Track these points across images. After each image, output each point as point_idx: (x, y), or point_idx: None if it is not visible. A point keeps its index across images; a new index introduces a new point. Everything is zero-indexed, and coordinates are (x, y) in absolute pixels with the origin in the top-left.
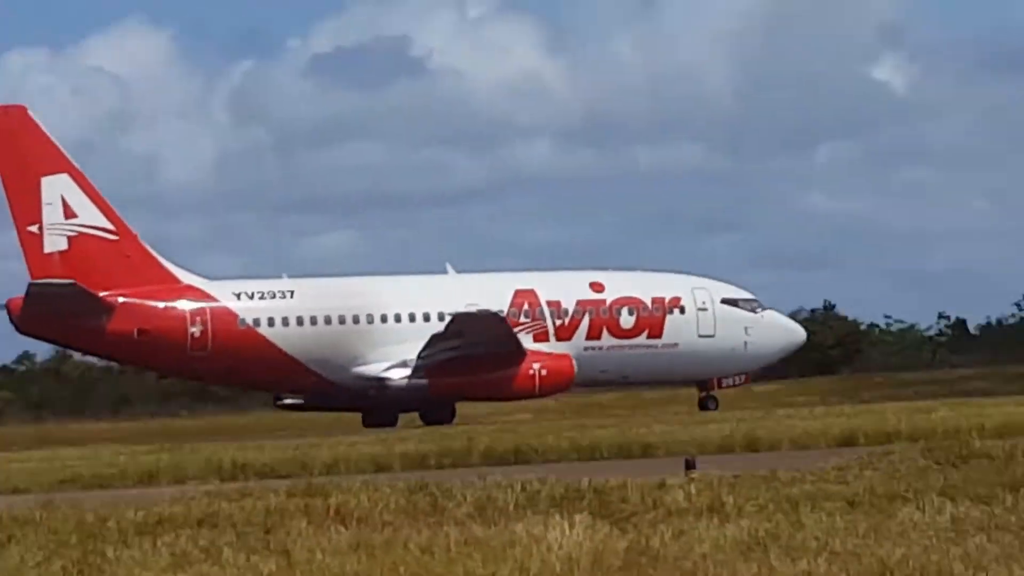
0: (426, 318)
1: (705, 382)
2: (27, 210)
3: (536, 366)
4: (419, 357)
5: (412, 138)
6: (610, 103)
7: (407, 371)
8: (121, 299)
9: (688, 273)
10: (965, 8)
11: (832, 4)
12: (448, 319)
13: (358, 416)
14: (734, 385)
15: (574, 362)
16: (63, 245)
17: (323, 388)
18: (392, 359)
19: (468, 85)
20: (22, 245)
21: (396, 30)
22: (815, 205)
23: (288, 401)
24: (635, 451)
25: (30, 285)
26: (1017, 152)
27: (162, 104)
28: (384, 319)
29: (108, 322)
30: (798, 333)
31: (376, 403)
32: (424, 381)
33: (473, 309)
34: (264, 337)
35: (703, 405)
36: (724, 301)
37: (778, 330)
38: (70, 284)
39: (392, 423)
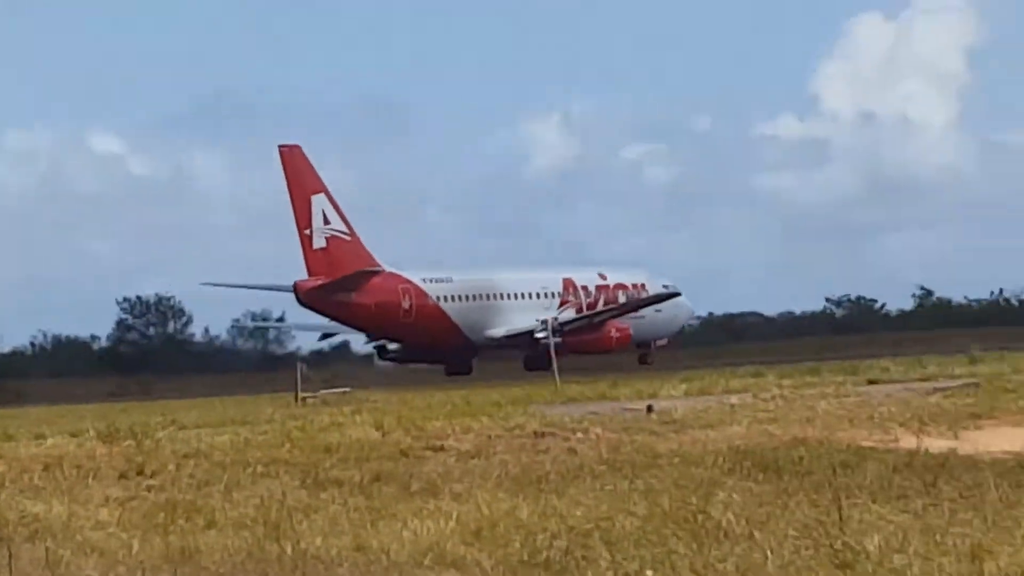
0: (527, 296)
1: (648, 343)
2: (304, 218)
3: (613, 331)
4: (561, 324)
5: None
6: None
7: (546, 333)
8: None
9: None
10: None
11: None
12: (649, 295)
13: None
14: (661, 347)
15: (631, 329)
16: (323, 243)
17: (467, 345)
18: (512, 325)
19: None
20: (301, 242)
21: None
22: None
23: (391, 353)
24: None
25: (361, 271)
26: None
27: None
28: (506, 297)
29: (359, 298)
30: (693, 310)
31: (456, 357)
32: (560, 339)
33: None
34: (443, 309)
35: (643, 360)
36: (664, 286)
37: (685, 308)
38: (380, 270)
39: (468, 372)
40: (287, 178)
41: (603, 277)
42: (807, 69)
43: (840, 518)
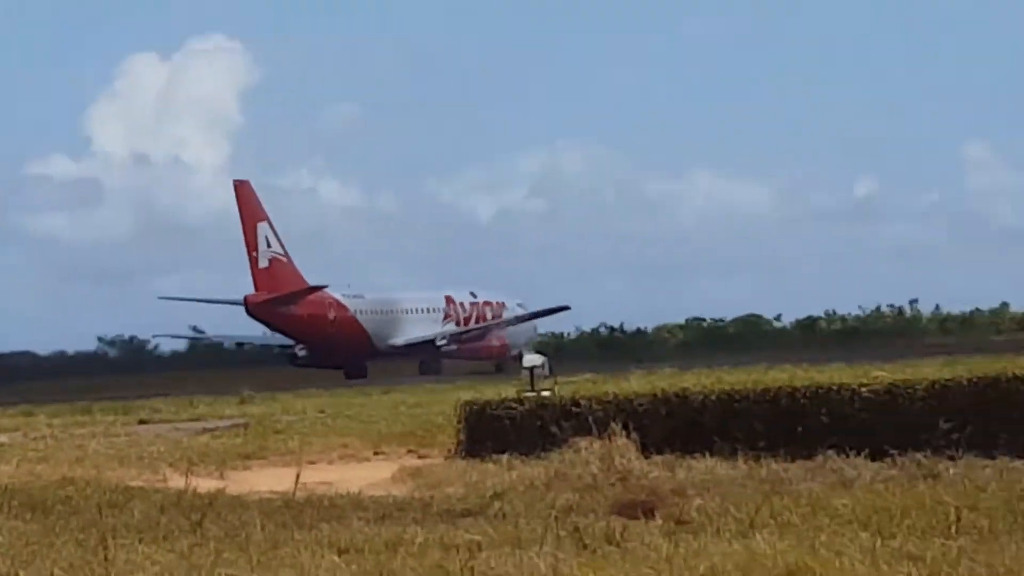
0: (420, 311)
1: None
2: (252, 243)
3: (495, 341)
4: (457, 334)
5: None
6: None
7: (446, 341)
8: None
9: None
10: None
11: None
12: (516, 315)
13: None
14: (515, 357)
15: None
16: (266, 264)
17: (373, 352)
18: (409, 335)
19: None
20: (250, 263)
21: None
22: None
23: (300, 359)
24: None
25: (312, 286)
26: None
27: None
28: (405, 312)
29: (296, 310)
30: (537, 326)
31: (355, 362)
32: (455, 347)
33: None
34: (359, 321)
35: (499, 368)
36: (518, 304)
37: (532, 324)
38: (324, 286)
39: (364, 375)
40: (239, 208)
41: (474, 296)
42: (81, 108)
43: (106, 558)
